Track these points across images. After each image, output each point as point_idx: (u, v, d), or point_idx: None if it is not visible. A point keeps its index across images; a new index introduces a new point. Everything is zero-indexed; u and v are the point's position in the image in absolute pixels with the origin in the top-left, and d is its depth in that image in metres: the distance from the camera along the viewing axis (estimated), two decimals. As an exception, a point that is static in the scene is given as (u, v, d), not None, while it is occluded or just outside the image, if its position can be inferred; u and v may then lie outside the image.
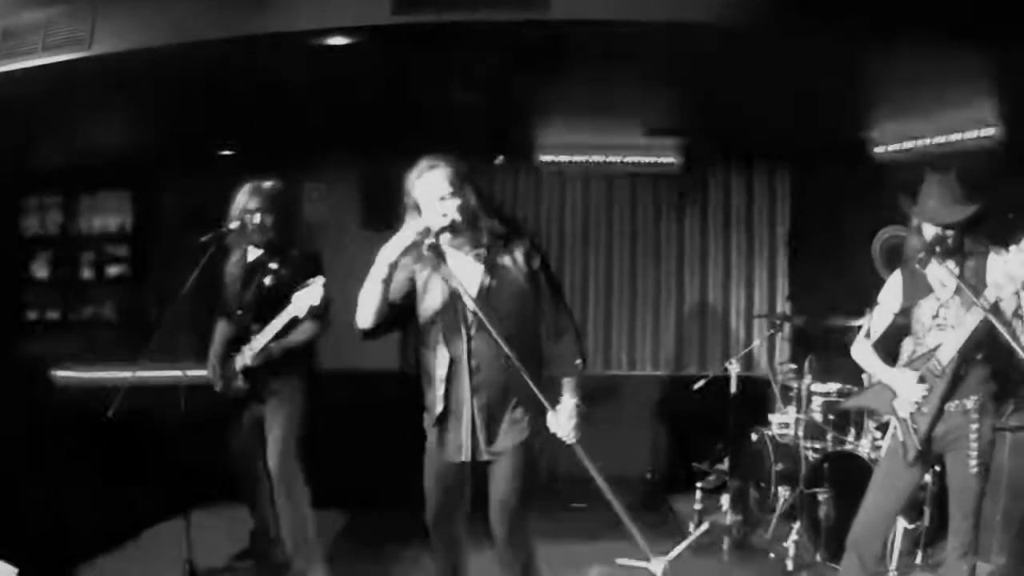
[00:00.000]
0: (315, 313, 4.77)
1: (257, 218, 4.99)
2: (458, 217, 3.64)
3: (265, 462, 5.04)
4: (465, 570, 4.09)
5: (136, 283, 8.31)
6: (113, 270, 8.44)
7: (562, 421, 3.69)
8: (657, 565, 2.97)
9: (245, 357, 4.98)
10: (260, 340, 4.91)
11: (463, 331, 3.72)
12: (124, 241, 8.38)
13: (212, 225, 5.01)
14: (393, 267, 3.63)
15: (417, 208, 3.73)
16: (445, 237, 3.64)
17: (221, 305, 5.31)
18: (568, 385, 3.85)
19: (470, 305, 3.58)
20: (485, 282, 3.74)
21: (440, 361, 3.78)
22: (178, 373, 5.15)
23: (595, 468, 3.25)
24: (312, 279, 4.68)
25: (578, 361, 3.89)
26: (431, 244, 3.53)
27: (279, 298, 4.82)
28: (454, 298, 3.70)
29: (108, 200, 8.38)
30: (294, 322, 4.83)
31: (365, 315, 3.71)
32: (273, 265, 5.03)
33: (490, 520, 3.86)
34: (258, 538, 5.42)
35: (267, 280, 5.03)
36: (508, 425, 3.79)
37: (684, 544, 3.62)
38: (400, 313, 3.81)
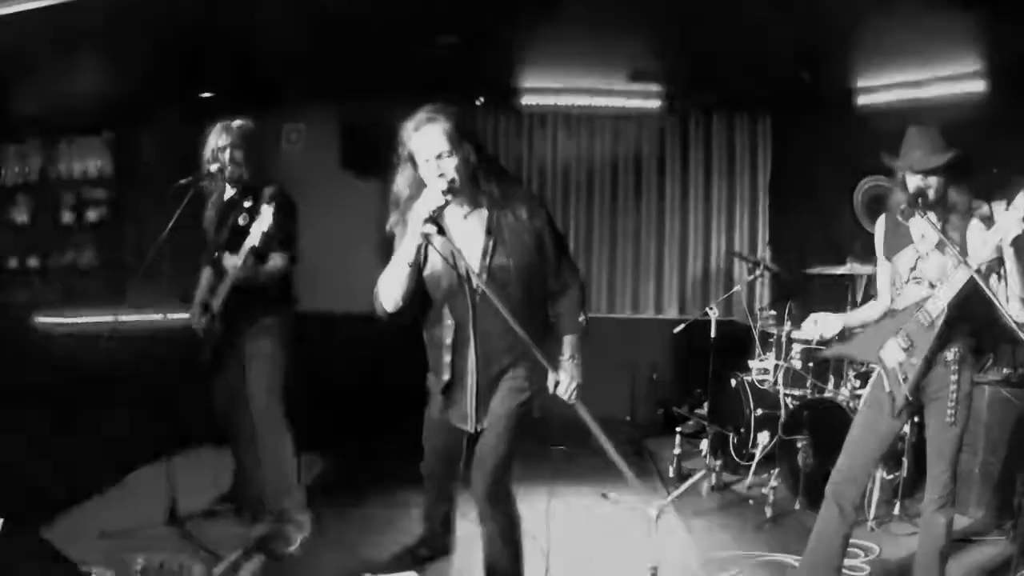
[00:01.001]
0: (280, 244, 4.73)
1: (227, 155, 4.89)
2: (456, 177, 3.44)
3: (247, 405, 5.01)
4: (454, 515, 4.13)
5: (116, 227, 8.25)
6: (93, 214, 8.37)
7: (564, 382, 3.66)
8: (652, 509, 3.03)
9: (217, 299, 4.95)
10: (227, 281, 4.86)
11: (468, 299, 3.59)
12: (103, 185, 8.30)
13: (192, 169, 4.93)
14: (421, 249, 3.48)
15: (411, 161, 3.55)
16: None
17: (204, 249, 5.25)
18: (568, 343, 3.80)
19: (474, 280, 3.49)
20: (488, 246, 3.59)
21: (446, 329, 3.67)
22: (159, 317, 5.11)
23: (592, 421, 3.28)
24: (285, 219, 4.63)
25: (581, 318, 3.83)
26: (428, 218, 3.31)
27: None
28: (457, 266, 3.55)
29: (87, 144, 8.29)
30: (261, 259, 4.78)
31: (393, 299, 3.55)
32: (247, 204, 4.89)
33: (471, 474, 3.75)
34: (240, 481, 5.43)
35: (240, 220, 4.87)
36: (506, 387, 3.70)
37: (681, 488, 3.70)
38: (417, 285, 3.63)
